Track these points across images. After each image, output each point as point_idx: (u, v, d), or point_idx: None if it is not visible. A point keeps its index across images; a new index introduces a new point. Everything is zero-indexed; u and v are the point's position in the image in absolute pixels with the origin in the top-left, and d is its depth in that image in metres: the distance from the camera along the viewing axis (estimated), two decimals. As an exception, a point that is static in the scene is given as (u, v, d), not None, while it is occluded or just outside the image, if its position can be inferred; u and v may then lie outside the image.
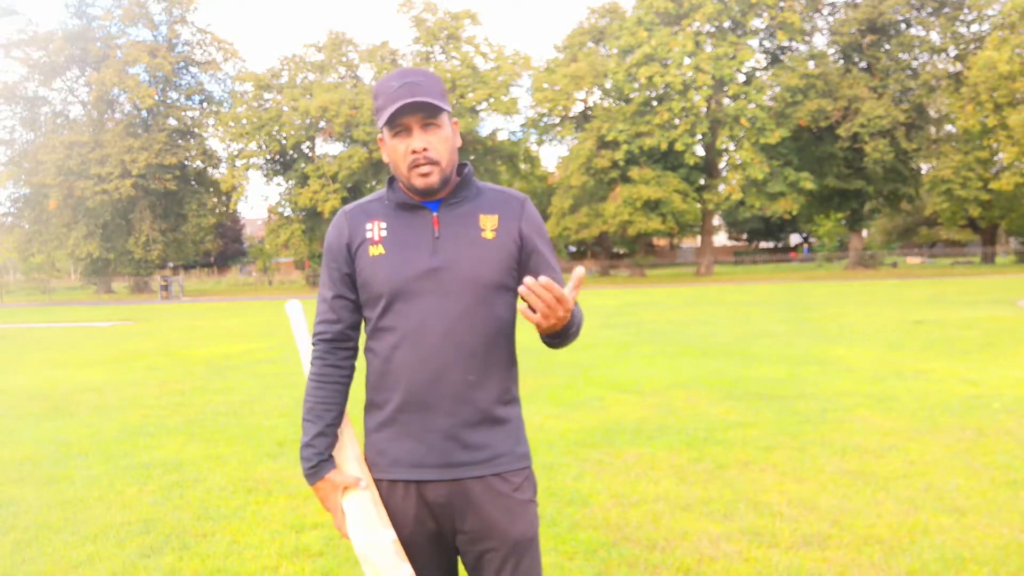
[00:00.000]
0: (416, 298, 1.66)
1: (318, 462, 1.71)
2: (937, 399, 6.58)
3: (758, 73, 40.89)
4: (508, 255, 1.71)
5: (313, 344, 1.79)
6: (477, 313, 1.67)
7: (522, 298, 1.50)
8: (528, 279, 1.47)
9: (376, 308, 1.71)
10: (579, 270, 1.49)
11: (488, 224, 1.71)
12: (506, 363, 1.74)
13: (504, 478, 1.69)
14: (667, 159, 39.54)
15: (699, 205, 42.34)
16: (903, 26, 40.13)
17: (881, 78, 39.22)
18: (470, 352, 1.67)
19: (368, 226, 1.73)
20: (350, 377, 1.80)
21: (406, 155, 1.66)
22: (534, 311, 1.50)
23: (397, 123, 1.65)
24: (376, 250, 1.70)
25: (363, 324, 1.80)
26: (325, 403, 1.74)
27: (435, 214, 1.70)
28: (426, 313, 1.66)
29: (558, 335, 1.63)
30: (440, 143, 1.67)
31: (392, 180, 1.77)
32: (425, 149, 1.65)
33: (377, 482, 1.73)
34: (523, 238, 1.73)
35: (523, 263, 1.74)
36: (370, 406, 1.75)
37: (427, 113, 1.65)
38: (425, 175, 1.66)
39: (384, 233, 1.71)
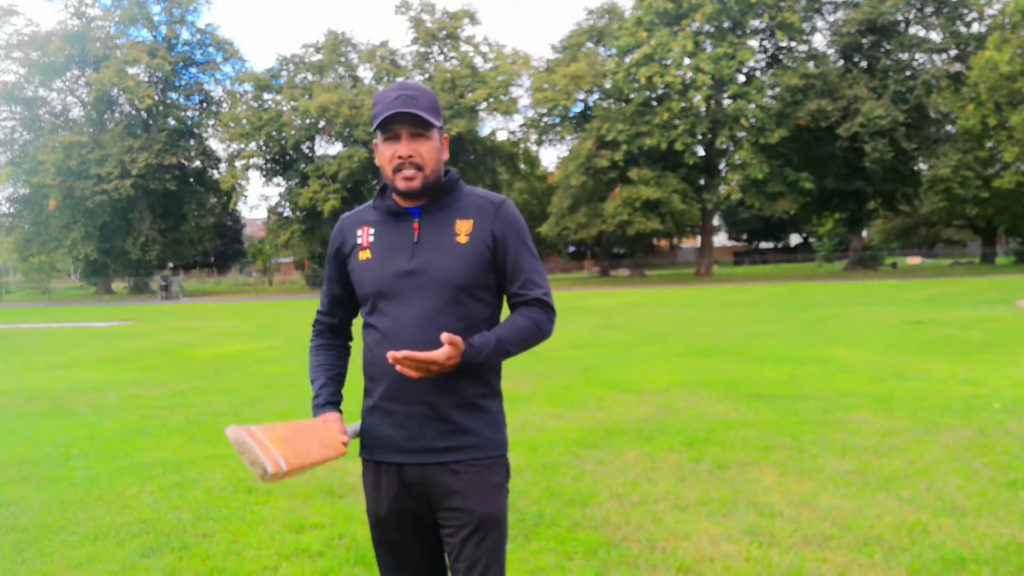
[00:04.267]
0: (395, 298, 1.83)
1: (331, 401, 1.94)
2: (937, 399, 6.58)
3: (758, 73, 40.87)
4: (480, 258, 1.84)
5: (313, 328, 2.06)
6: (450, 312, 1.81)
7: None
8: (390, 354, 1.67)
9: (366, 306, 1.91)
10: (443, 335, 1.68)
11: (463, 229, 1.85)
12: None
13: (477, 463, 1.83)
14: (667, 159, 39.51)
15: (699, 205, 42.36)
16: (903, 26, 40.11)
17: (881, 78, 39.19)
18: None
19: (359, 232, 1.93)
20: (347, 349, 2.07)
21: (392, 159, 1.82)
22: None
23: (389, 129, 1.80)
24: (365, 255, 1.90)
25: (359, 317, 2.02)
26: (326, 364, 2.01)
27: (416, 221, 1.86)
28: (403, 312, 1.82)
29: (473, 371, 1.79)
30: (427, 152, 1.83)
31: (383, 189, 1.93)
32: (411, 155, 1.81)
33: (366, 462, 1.93)
34: (496, 240, 1.85)
35: (498, 264, 1.87)
36: (365, 391, 1.93)
37: (417, 124, 1.80)
38: (408, 179, 1.81)
39: (372, 239, 1.90)
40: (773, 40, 40.72)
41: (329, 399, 1.94)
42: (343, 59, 43.80)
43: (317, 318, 2.05)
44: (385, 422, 1.85)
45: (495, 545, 1.83)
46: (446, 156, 1.91)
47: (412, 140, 1.80)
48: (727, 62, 37.12)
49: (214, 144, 45.71)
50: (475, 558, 1.80)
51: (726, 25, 38.58)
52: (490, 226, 1.85)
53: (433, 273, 1.80)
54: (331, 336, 2.05)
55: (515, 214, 1.90)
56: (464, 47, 42.72)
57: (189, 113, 44.60)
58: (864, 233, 48.05)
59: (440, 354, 1.68)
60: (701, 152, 40.68)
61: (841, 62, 40.94)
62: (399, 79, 42.19)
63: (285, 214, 43.01)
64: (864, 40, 39.64)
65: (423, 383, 1.79)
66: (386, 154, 1.82)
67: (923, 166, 40.46)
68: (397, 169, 1.80)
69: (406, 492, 1.85)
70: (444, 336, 1.68)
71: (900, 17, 39.60)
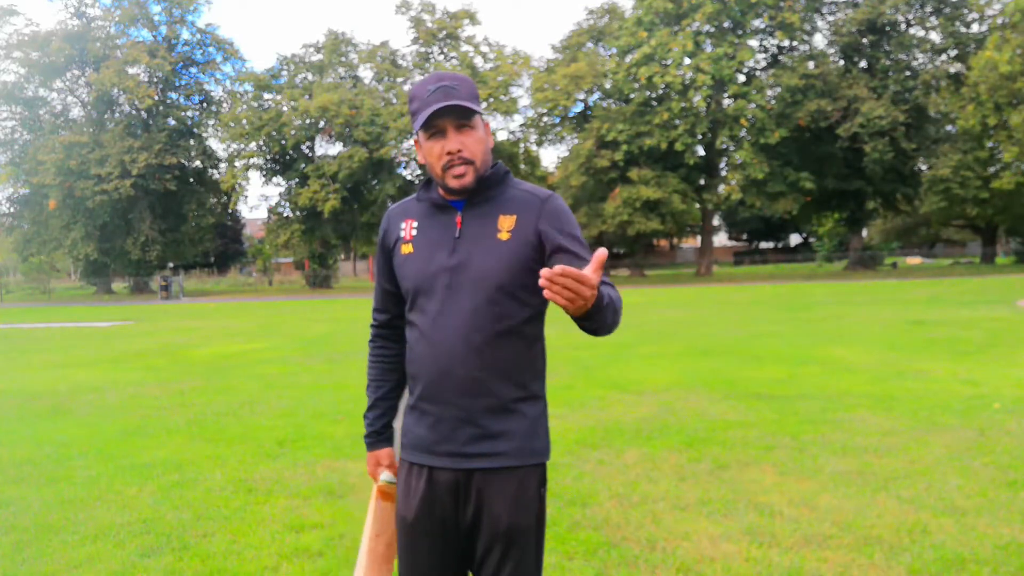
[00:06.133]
0: (433, 295, 1.76)
1: (369, 433, 1.97)
2: (937, 399, 6.58)
3: (758, 73, 40.87)
4: (522, 256, 1.74)
5: (370, 329, 2.01)
6: (486, 312, 1.72)
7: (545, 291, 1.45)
8: (544, 271, 1.43)
9: (408, 302, 1.85)
10: (601, 251, 1.48)
11: (505, 225, 1.75)
12: (519, 361, 1.77)
13: (508, 472, 1.75)
14: (667, 159, 39.52)
15: (699, 205, 42.33)
16: (903, 26, 40.11)
17: (881, 78, 39.20)
18: (477, 349, 1.72)
19: (403, 225, 1.86)
20: (400, 357, 1.96)
21: (441, 156, 1.73)
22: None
23: (432, 125, 1.72)
24: (407, 248, 1.83)
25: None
26: (378, 380, 1.98)
27: (459, 214, 1.78)
28: (440, 310, 1.75)
29: (590, 318, 1.56)
30: (474, 144, 1.74)
31: (428, 181, 1.85)
32: (460, 150, 1.73)
33: (402, 461, 1.88)
34: (542, 237, 1.75)
35: (546, 262, 1.75)
36: (408, 388, 1.90)
37: (461, 115, 1.72)
38: (459, 176, 1.73)
39: (415, 232, 1.83)
40: (773, 40, 40.74)
41: (376, 429, 1.96)
42: (343, 59, 43.77)
43: (373, 316, 1.99)
44: (420, 422, 1.81)
45: (522, 558, 1.76)
46: (491, 143, 1.83)
47: (458, 133, 1.73)
48: (727, 62, 37.12)
49: (214, 144, 45.71)
50: (498, 570, 1.74)
51: (726, 25, 38.59)
52: (535, 223, 1.75)
53: (472, 270, 1.72)
54: (387, 340, 1.97)
55: (562, 209, 1.79)
56: (464, 47, 42.72)
57: (189, 113, 44.55)
58: (864, 233, 48.05)
59: (595, 277, 1.46)
60: (701, 152, 40.67)
61: (841, 62, 40.94)
62: (398, 79, 42.45)
63: (285, 214, 42.99)
64: (864, 40, 39.64)
65: (456, 384, 1.73)
66: (434, 151, 1.74)
67: (923, 166, 40.46)
68: (447, 167, 1.73)
69: (435, 496, 1.78)
70: (601, 252, 1.46)
71: (900, 17, 39.61)
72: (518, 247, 1.73)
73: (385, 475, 1.95)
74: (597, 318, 1.58)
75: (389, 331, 1.96)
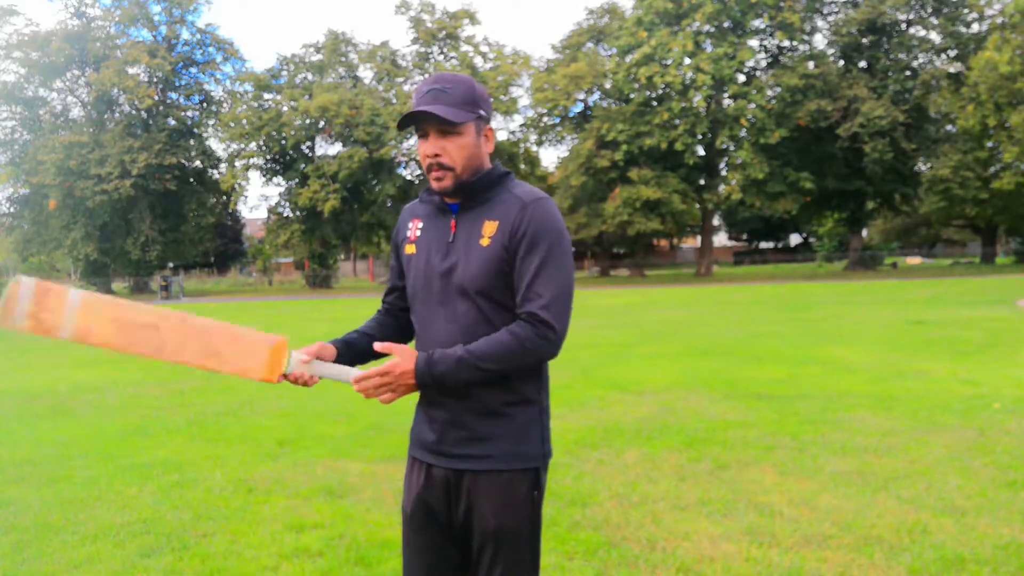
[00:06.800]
0: (428, 298, 1.81)
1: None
2: (937, 399, 6.58)
3: (758, 73, 40.86)
4: (498, 263, 1.73)
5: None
6: (469, 317, 1.74)
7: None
8: (354, 386, 1.69)
9: (410, 304, 1.91)
10: (375, 344, 1.75)
11: (488, 230, 1.75)
12: None
13: (496, 474, 1.76)
14: (667, 159, 39.51)
15: (699, 205, 42.31)
16: (903, 26, 40.12)
17: (881, 78, 39.20)
18: None
19: (410, 225, 1.90)
20: (393, 327, 2.00)
21: (424, 158, 1.76)
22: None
23: (419, 127, 1.74)
24: (411, 249, 1.87)
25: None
26: (365, 326, 1.99)
27: (454, 218, 1.80)
28: (431, 313, 1.80)
29: (441, 392, 1.75)
30: (456, 149, 1.73)
31: None
32: (437, 155, 1.73)
33: (408, 456, 1.94)
34: (512, 242, 1.72)
35: (514, 269, 1.74)
36: None
37: (439, 122, 1.71)
38: (437, 179, 1.75)
39: (419, 233, 1.86)
40: (773, 40, 40.73)
41: (334, 339, 1.89)
42: (343, 59, 43.76)
43: (383, 302, 2.08)
44: (422, 421, 1.86)
45: (515, 559, 1.77)
46: (490, 148, 1.81)
47: (440, 138, 1.72)
48: (727, 62, 37.11)
49: (214, 144, 45.64)
50: (490, 570, 1.77)
51: (726, 25, 38.57)
52: (511, 227, 1.71)
53: (458, 275, 1.74)
54: (388, 313, 2.03)
55: (543, 215, 1.72)
56: (464, 47, 42.71)
57: (189, 113, 44.49)
58: (864, 233, 48.02)
59: (383, 367, 1.63)
60: (701, 152, 40.66)
61: (841, 62, 40.93)
62: (398, 79, 42.43)
63: (285, 214, 42.98)
64: (864, 40, 39.63)
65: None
66: (420, 151, 1.77)
67: (923, 166, 40.46)
68: (428, 169, 1.75)
69: (430, 493, 1.83)
70: (376, 345, 1.64)
71: (900, 17, 39.61)
72: (496, 253, 1.72)
73: (296, 353, 1.77)
74: (449, 382, 1.70)
75: (390, 308, 2.04)
